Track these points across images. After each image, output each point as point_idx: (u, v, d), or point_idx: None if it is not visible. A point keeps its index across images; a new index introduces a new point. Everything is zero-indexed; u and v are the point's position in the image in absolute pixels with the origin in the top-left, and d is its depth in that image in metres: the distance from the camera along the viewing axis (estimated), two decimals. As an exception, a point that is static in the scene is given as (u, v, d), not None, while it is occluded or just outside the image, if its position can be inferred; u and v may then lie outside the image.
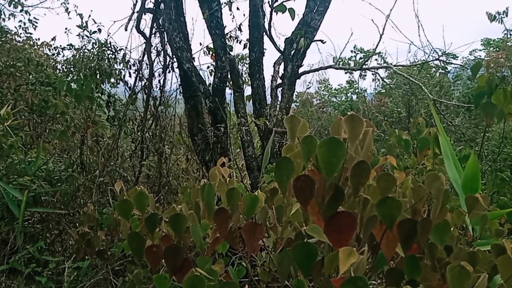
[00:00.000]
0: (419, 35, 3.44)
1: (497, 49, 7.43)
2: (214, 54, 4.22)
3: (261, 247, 1.57)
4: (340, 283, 0.79)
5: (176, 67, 4.22)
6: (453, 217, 1.21)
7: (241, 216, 1.37)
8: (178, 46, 3.90)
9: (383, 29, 3.20)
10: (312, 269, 0.94)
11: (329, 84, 10.61)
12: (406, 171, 1.82)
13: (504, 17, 4.66)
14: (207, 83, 4.17)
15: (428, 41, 3.32)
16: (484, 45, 8.51)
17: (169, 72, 4.29)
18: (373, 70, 3.82)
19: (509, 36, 5.66)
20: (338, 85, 10.49)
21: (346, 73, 9.39)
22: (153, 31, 4.22)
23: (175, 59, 4.24)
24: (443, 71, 8.35)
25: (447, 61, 4.05)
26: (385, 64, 4.84)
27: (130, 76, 4.38)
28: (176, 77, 4.30)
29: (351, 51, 8.97)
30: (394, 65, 3.50)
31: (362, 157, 0.92)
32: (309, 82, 10.40)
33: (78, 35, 4.28)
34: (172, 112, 4.65)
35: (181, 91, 4.18)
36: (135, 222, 1.72)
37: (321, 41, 5.22)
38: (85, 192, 4.10)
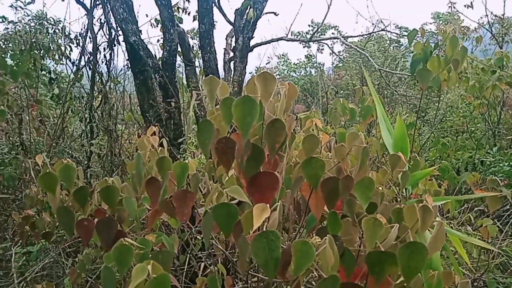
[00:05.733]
0: (367, 6, 3.47)
1: (446, 22, 7.72)
2: (162, 26, 4.06)
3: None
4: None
5: (122, 41, 4.02)
6: (378, 175, 1.26)
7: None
8: (122, 17, 3.71)
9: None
10: (233, 229, 0.95)
11: (288, 59, 10.61)
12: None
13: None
14: (157, 57, 4.02)
15: (376, 12, 3.35)
16: (434, 18, 8.80)
17: (115, 46, 4.09)
18: (323, 41, 3.84)
19: (453, 8, 5.90)
20: (297, 60, 10.51)
21: (304, 47, 9.43)
22: (94, 2, 3.97)
23: (120, 32, 4.04)
24: (396, 44, 8.58)
25: (393, 31, 4.15)
26: (334, 35, 4.87)
27: (71, 50, 4.12)
28: (122, 51, 4.11)
29: (309, 26, 8.97)
30: (343, 37, 3.54)
31: (278, 115, 0.92)
32: (269, 57, 10.33)
33: (11, 6, 3.94)
34: (121, 89, 4.47)
35: (129, 66, 4.00)
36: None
37: (274, 13, 5.16)
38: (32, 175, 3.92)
